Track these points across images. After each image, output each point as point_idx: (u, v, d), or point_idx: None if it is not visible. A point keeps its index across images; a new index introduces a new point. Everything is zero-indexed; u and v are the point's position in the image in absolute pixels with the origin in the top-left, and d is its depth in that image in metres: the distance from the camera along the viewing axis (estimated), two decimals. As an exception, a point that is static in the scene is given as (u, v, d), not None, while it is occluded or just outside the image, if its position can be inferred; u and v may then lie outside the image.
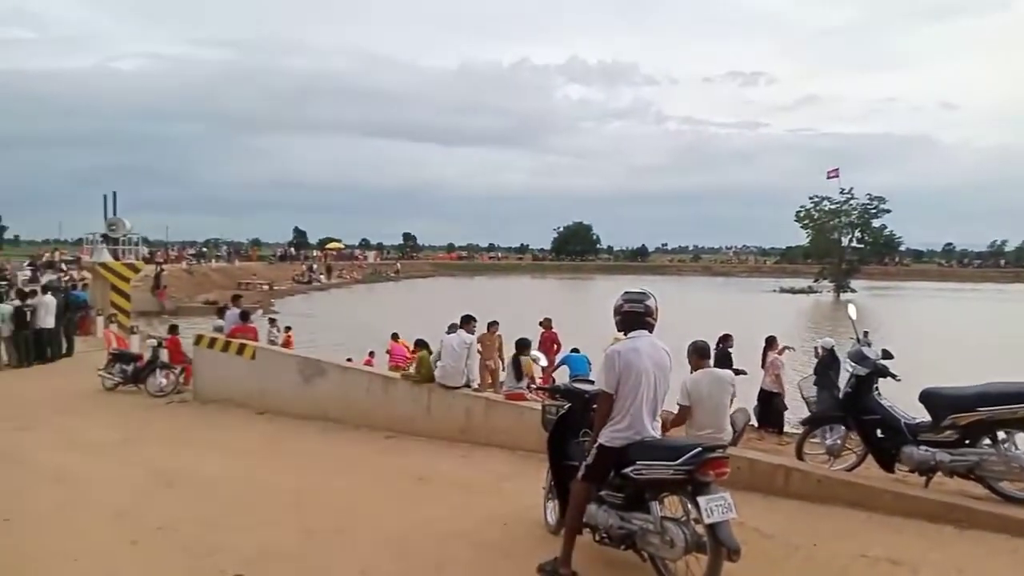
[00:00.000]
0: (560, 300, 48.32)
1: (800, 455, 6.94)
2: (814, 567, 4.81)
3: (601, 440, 4.40)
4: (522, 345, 9.73)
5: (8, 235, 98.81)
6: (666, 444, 4.42)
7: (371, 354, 16.21)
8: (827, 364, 10.31)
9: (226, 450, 8.48)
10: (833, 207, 61.37)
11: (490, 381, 12.12)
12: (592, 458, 4.45)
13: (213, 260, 57.75)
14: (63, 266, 34.30)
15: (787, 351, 12.51)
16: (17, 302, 16.02)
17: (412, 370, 9.62)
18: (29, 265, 35.04)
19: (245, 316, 13.57)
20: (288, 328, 18.13)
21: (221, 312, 15.11)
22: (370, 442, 8.81)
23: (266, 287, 46.22)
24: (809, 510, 5.94)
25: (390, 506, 6.16)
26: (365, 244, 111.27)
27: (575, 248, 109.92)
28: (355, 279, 63.58)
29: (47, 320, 16.01)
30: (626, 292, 4.67)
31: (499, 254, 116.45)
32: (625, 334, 4.61)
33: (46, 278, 26.14)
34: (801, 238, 69.22)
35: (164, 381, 12.63)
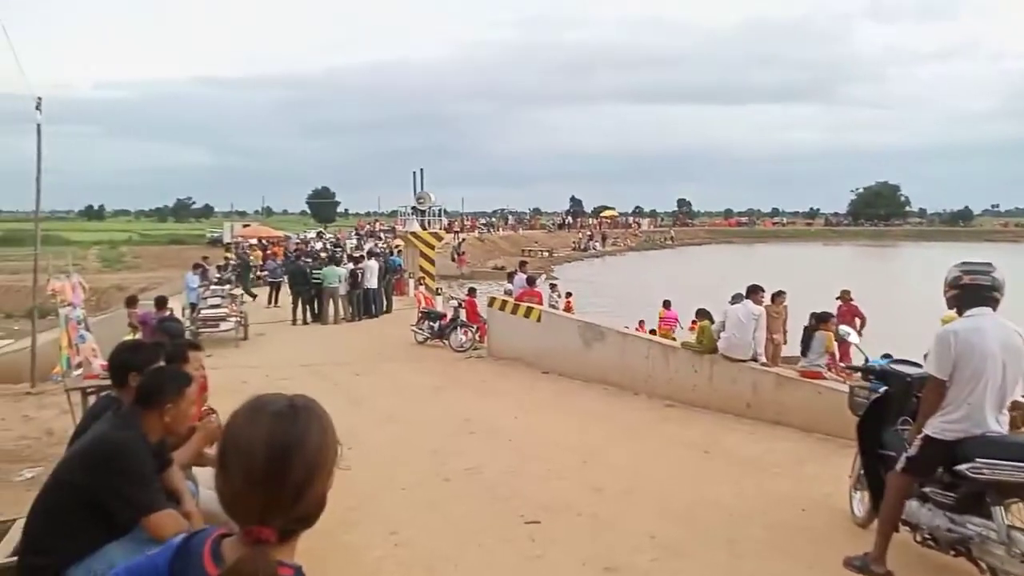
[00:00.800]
0: (859, 270, 43.29)
1: None
2: None
3: (928, 431, 3.84)
4: (822, 318, 8.94)
5: (340, 209, 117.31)
6: (1019, 442, 3.71)
7: (641, 323, 16.15)
8: None
9: (517, 404, 9.16)
10: None
11: (773, 355, 11.36)
12: (916, 450, 3.92)
13: (500, 229, 62.43)
14: (381, 235, 39.88)
15: None
16: (351, 266, 18.99)
17: (693, 339, 9.40)
18: (355, 234, 41.43)
19: (531, 281, 14.43)
20: (569, 294, 18.89)
21: (510, 277, 16.26)
22: (650, 409, 8.85)
23: (546, 254, 48.81)
24: None
25: (674, 476, 6.14)
26: (639, 211, 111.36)
27: (877, 212, 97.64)
28: (628, 246, 64.08)
29: (372, 281, 18.75)
30: (964, 263, 3.99)
31: (784, 219, 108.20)
32: (959, 312, 3.94)
33: (368, 245, 30.65)
34: None
35: (463, 338, 14.03)
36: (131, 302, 11.39)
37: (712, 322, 9.10)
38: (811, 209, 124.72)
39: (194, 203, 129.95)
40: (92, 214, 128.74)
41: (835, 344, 8.76)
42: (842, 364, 8.95)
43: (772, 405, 8.07)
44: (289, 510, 1.19)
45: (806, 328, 11.54)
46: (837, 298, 12.61)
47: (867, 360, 5.12)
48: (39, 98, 10.00)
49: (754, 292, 8.85)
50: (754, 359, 8.48)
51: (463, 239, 40.43)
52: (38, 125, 10.08)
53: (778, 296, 11.96)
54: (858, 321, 11.95)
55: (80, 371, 6.84)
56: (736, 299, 9.15)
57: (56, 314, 7.79)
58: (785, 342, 12.42)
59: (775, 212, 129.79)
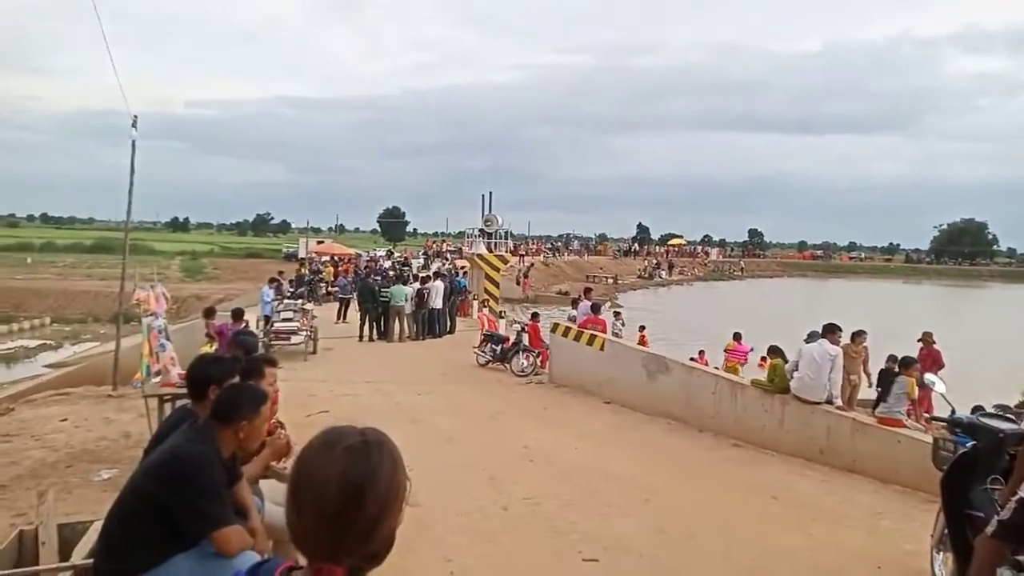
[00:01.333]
0: (942, 311, 41.17)
1: None
2: None
3: (1025, 495, 3.55)
4: (906, 363, 8.49)
5: (409, 228, 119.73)
6: None
7: (701, 353, 15.81)
8: None
9: (578, 434, 9.02)
10: None
11: (848, 397, 10.85)
12: (1010, 513, 3.61)
13: (565, 253, 62.38)
14: (447, 255, 40.43)
15: None
16: (417, 285, 19.29)
17: (764, 378, 9.08)
18: (423, 254, 42.14)
19: (596, 308, 14.28)
20: (642, 327, 18.26)
21: (575, 303, 16.17)
22: (716, 448, 8.56)
23: (611, 281, 48.41)
24: None
25: (741, 521, 5.89)
26: (707, 240, 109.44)
27: (961, 250, 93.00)
28: (695, 276, 62.94)
29: (437, 301, 18.98)
30: None
31: (861, 254, 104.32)
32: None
33: (435, 266, 31.09)
34: None
35: (525, 363, 13.99)
36: (209, 313, 11.85)
37: (785, 360, 8.77)
38: (891, 244, 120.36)
39: (272, 218, 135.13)
40: (178, 226, 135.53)
41: (916, 390, 8.30)
42: (925, 414, 8.45)
43: (847, 452, 7.68)
44: (360, 548, 1.18)
45: (884, 371, 11.02)
46: (919, 340, 11.98)
47: (953, 411, 4.81)
48: (135, 116, 10.61)
49: (831, 331, 8.49)
50: (829, 401, 8.11)
51: (530, 264, 40.50)
52: (133, 141, 10.69)
53: (858, 336, 11.45)
54: (937, 367, 11.30)
55: (159, 378, 7.11)
56: (812, 337, 8.80)
57: (139, 321, 8.16)
58: (870, 385, 11.89)
59: (852, 246, 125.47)
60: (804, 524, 5.87)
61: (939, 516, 4.57)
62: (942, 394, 5.38)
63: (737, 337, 15.81)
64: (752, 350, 14.72)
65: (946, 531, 4.41)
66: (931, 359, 11.68)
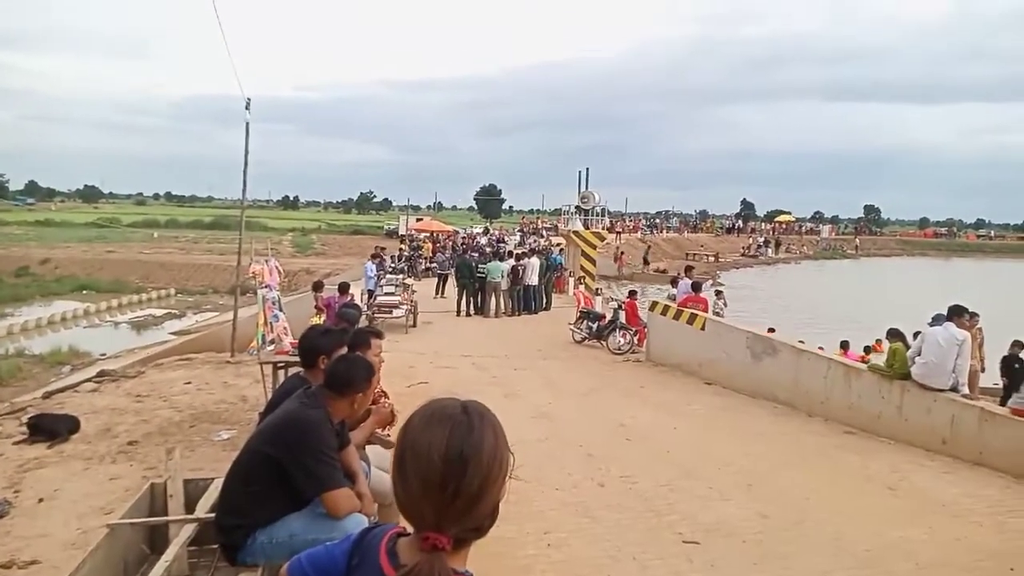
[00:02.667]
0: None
1: None
2: None
3: None
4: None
5: (505, 206, 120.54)
6: None
7: (843, 345, 14.38)
8: None
9: (677, 415, 8.83)
10: None
11: (970, 384, 10.00)
12: None
13: (663, 231, 60.92)
14: (543, 232, 40.41)
15: None
16: (512, 262, 19.38)
17: (883, 362, 8.53)
18: (519, 231, 42.32)
19: (697, 287, 13.84)
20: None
21: (675, 282, 15.77)
22: (826, 435, 8.14)
23: (712, 258, 46.92)
24: None
25: (853, 511, 5.57)
26: (819, 217, 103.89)
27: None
28: (805, 254, 59.87)
29: (532, 278, 19.01)
30: None
31: (991, 232, 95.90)
32: None
33: (530, 242, 31.16)
34: None
35: (622, 340, 13.80)
36: (318, 287, 12.41)
37: (906, 345, 8.20)
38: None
39: (375, 196, 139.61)
40: (288, 204, 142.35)
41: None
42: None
43: (974, 443, 7.10)
44: (464, 519, 1.19)
45: (1007, 358, 10.11)
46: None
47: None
48: (248, 99, 11.14)
49: (958, 314, 7.83)
50: (954, 389, 7.52)
51: (649, 246, 40.04)
52: (247, 123, 11.25)
53: (971, 317, 10.50)
54: None
55: (272, 347, 7.50)
56: (937, 320, 8.17)
57: (255, 293, 8.62)
58: (983, 369, 10.99)
59: (980, 223, 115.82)
60: (924, 517, 5.48)
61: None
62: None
63: (845, 345, 14.41)
64: (879, 341, 13.42)
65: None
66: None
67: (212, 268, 33.68)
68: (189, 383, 9.12)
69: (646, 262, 38.13)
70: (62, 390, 9.08)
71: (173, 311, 26.66)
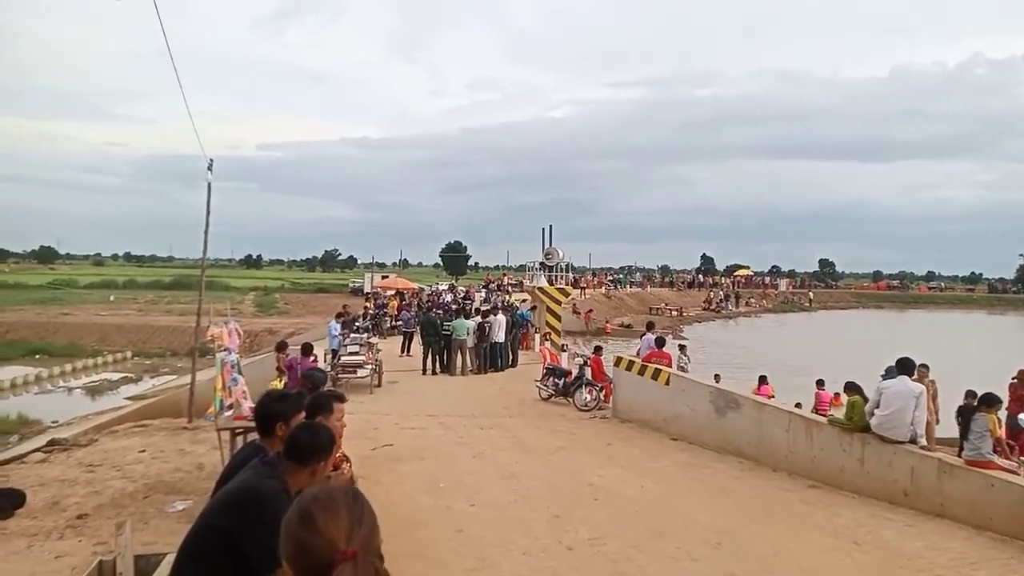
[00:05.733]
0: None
1: None
2: None
3: None
4: (988, 403, 7.94)
5: (471, 263, 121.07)
6: None
7: (762, 379, 15.64)
8: None
9: (644, 472, 8.78)
10: None
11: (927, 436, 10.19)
12: None
13: (628, 286, 61.70)
14: (509, 289, 40.56)
15: None
16: (478, 319, 19.38)
17: (842, 416, 8.66)
18: (484, 287, 42.43)
19: (660, 342, 13.99)
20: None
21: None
22: (791, 490, 8.18)
23: (675, 313, 47.56)
24: None
25: (820, 569, 5.57)
26: (776, 271, 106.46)
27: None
28: (764, 308, 61.14)
29: (499, 335, 19.00)
30: None
31: (941, 284, 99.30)
32: None
33: (494, 299, 31.21)
34: None
35: (588, 397, 13.77)
36: (281, 347, 12.20)
37: (864, 398, 8.36)
38: (972, 274, 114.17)
39: (340, 254, 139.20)
40: (251, 263, 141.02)
41: (999, 428, 7.73)
42: (1022, 456, 7.83)
43: (934, 495, 7.21)
44: None
45: (962, 408, 10.33)
46: (1013, 379, 11.14)
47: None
48: (211, 160, 11.17)
49: (907, 368, 8.02)
50: (912, 441, 7.66)
51: (583, 297, 40.44)
52: (208, 184, 11.24)
53: (921, 368, 10.77)
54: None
55: (231, 412, 7.33)
56: (889, 373, 8.36)
57: (214, 356, 8.45)
58: (937, 421, 11.27)
59: (931, 276, 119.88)
60: (889, 571, 5.52)
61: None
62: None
63: (820, 384, 15.24)
64: (837, 395, 14.08)
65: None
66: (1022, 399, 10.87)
67: (171, 330, 32.90)
68: (144, 451, 8.82)
69: (585, 312, 38.41)
70: (8, 461, 8.69)
71: (129, 375, 25.85)
